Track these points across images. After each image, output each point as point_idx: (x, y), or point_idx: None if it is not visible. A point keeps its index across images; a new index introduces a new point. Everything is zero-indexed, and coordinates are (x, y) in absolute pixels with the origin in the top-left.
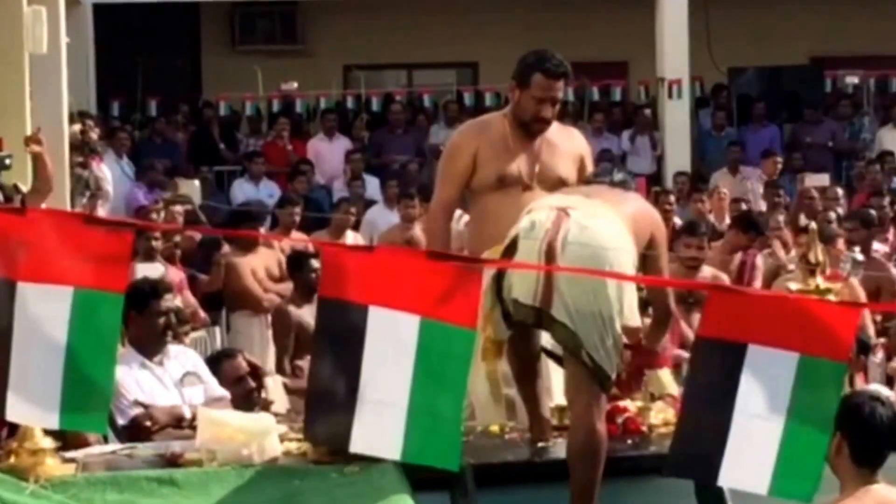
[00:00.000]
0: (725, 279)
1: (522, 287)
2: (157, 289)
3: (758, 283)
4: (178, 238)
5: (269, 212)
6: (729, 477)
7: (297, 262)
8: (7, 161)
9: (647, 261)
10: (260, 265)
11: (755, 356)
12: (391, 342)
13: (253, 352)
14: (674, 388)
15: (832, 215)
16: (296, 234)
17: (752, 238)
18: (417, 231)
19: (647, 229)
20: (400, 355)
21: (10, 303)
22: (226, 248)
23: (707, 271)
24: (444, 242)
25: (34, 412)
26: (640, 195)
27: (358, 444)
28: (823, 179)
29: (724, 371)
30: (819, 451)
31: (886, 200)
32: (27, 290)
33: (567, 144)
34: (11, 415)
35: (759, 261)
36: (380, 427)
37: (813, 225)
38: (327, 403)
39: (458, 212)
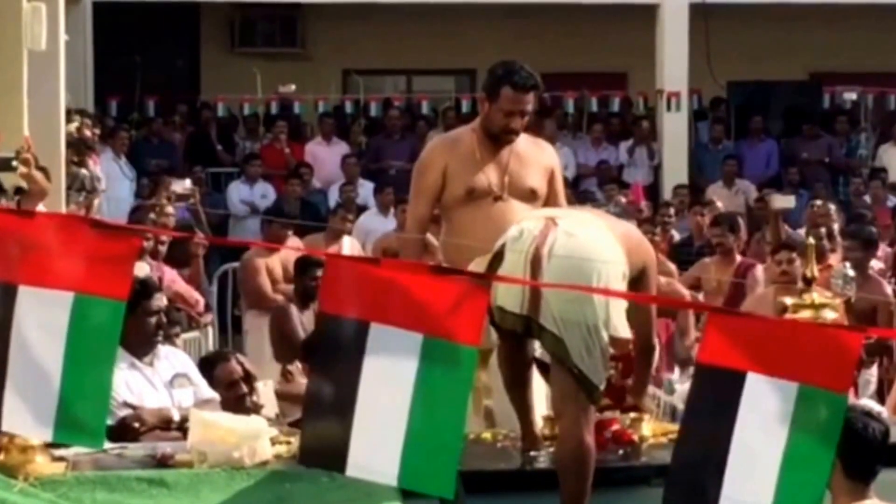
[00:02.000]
0: (684, 291)
1: (509, 295)
2: (148, 288)
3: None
4: (164, 238)
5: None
6: None
7: (301, 268)
8: (13, 163)
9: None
10: (277, 265)
11: (754, 385)
12: (391, 361)
13: (263, 351)
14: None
15: (823, 231)
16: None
17: (734, 238)
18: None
19: (640, 258)
20: (400, 375)
21: (11, 307)
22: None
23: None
24: (418, 258)
25: (29, 423)
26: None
27: (354, 469)
28: (789, 201)
29: (722, 400)
30: (820, 483)
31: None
32: (28, 294)
33: (536, 156)
34: (6, 425)
35: (759, 273)
36: (376, 452)
37: (811, 240)
38: (323, 424)
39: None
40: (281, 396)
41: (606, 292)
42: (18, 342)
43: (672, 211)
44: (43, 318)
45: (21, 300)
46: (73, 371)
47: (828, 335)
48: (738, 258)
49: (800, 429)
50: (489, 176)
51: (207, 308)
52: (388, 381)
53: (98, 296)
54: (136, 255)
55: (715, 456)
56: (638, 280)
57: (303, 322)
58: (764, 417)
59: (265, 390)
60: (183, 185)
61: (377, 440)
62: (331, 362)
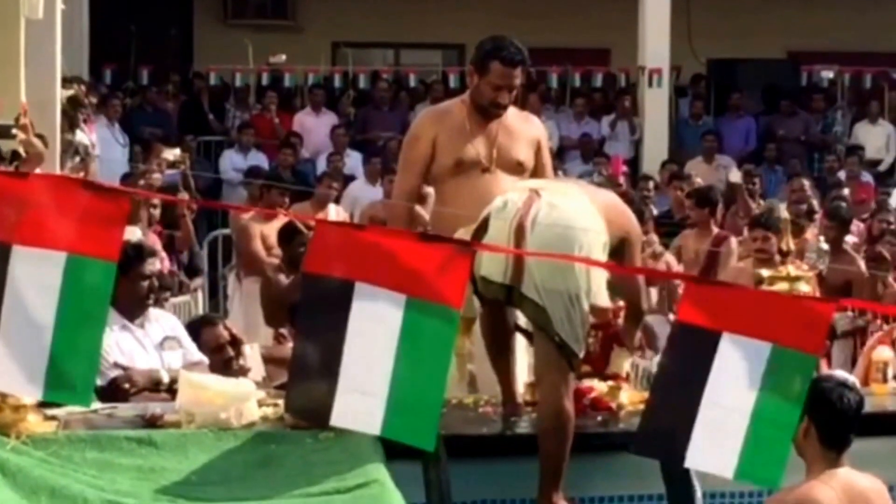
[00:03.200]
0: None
1: (493, 265)
2: (142, 252)
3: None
4: (156, 202)
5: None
6: (695, 459)
7: (286, 235)
8: (13, 131)
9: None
10: (272, 233)
11: (728, 344)
12: (376, 319)
13: (258, 315)
14: (624, 371)
15: (804, 208)
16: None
17: (710, 212)
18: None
19: (621, 226)
20: (384, 332)
21: (4, 267)
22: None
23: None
24: (405, 228)
25: (19, 382)
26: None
27: (338, 419)
28: (736, 176)
29: (697, 356)
30: (785, 439)
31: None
32: (21, 253)
33: (524, 129)
34: None
35: (733, 244)
36: (361, 403)
37: (786, 215)
38: (309, 377)
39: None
40: (269, 360)
41: (589, 261)
42: (11, 301)
43: (651, 185)
44: (36, 277)
45: (15, 260)
46: (65, 330)
47: (803, 303)
48: (715, 230)
49: (770, 386)
50: (478, 148)
51: (198, 272)
52: (372, 338)
53: (90, 256)
54: (125, 216)
55: (686, 408)
56: (621, 248)
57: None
58: (736, 375)
59: (252, 354)
60: (173, 153)
61: (361, 392)
62: (316, 320)
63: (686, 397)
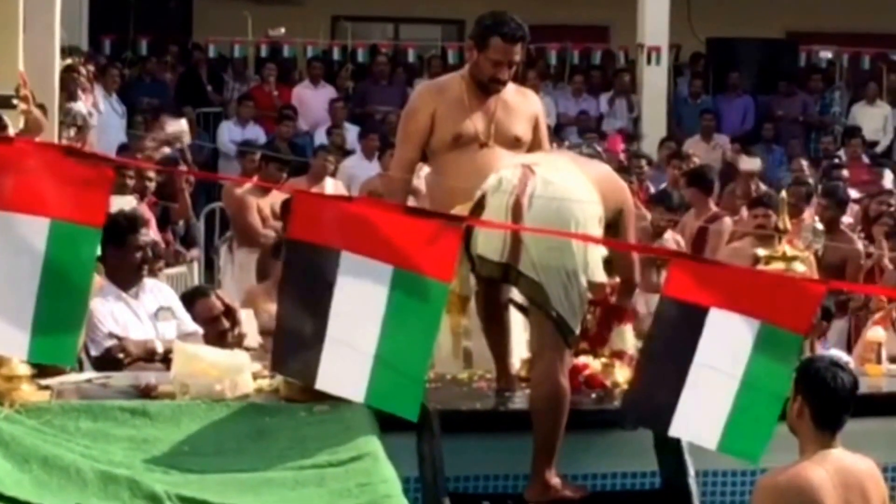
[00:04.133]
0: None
1: (489, 243)
2: (135, 223)
3: (722, 246)
4: (151, 174)
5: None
6: (680, 429)
7: (287, 209)
8: (13, 101)
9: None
10: (267, 204)
11: (716, 319)
12: (362, 288)
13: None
14: (632, 346)
15: (803, 190)
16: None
17: (706, 192)
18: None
19: (616, 199)
20: (370, 301)
21: None
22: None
23: (668, 235)
24: (402, 201)
25: (5, 341)
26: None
27: (324, 382)
28: (755, 164)
29: (684, 330)
30: (771, 415)
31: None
32: (5, 218)
33: (522, 105)
34: None
35: (727, 223)
36: (346, 369)
37: (783, 194)
38: (295, 342)
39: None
40: (266, 333)
41: (586, 238)
42: None
43: (643, 162)
44: (20, 242)
45: None
46: (49, 294)
47: (793, 282)
48: (713, 208)
49: (757, 363)
50: (476, 123)
51: (194, 243)
52: (358, 308)
53: (74, 222)
54: (109, 183)
55: (673, 380)
56: (616, 221)
57: None
58: (723, 350)
59: (247, 319)
60: (179, 125)
61: (347, 360)
62: (301, 286)
63: (673, 369)
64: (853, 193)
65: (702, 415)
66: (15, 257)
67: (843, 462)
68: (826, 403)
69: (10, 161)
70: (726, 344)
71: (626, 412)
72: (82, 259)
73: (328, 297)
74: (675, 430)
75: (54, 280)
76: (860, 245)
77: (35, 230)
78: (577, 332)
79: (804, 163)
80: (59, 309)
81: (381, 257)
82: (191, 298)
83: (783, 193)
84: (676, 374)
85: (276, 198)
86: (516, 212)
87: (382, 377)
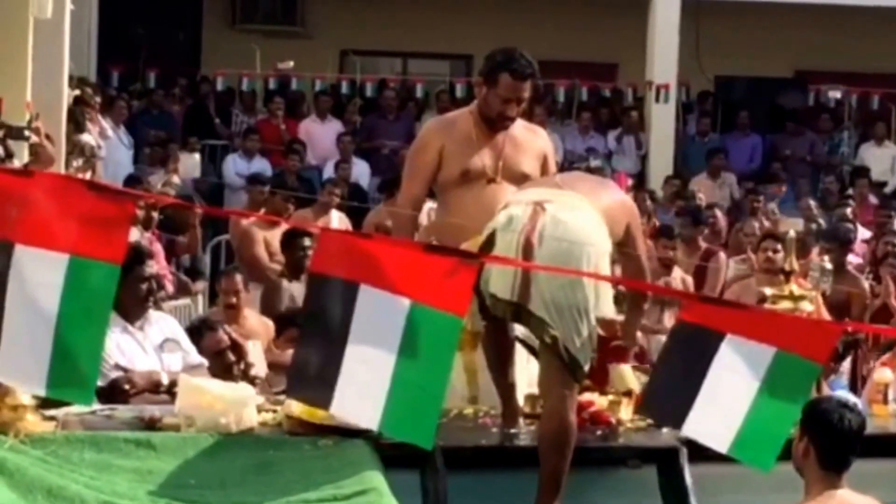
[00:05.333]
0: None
1: (500, 282)
2: (141, 254)
3: (719, 286)
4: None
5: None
6: (694, 429)
7: (288, 241)
8: (26, 132)
9: (624, 258)
10: (274, 238)
11: (732, 344)
12: (379, 321)
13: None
14: (635, 384)
15: (814, 227)
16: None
17: (700, 229)
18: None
19: (623, 219)
20: (386, 335)
21: (7, 265)
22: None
23: (677, 273)
24: (409, 236)
25: (22, 377)
26: (617, 186)
27: (338, 408)
28: (797, 224)
29: (700, 348)
30: (785, 426)
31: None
32: (24, 253)
33: (531, 141)
34: (0, 374)
35: (722, 258)
36: (361, 396)
37: (792, 233)
38: (311, 369)
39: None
40: (271, 365)
41: (597, 276)
42: (14, 299)
43: (647, 198)
44: (38, 277)
45: (17, 259)
46: (67, 330)
47: (810, 321)
48: (703, 245)
49: (769, 388)
50: (484, 159)
51: (200, 276)
52: (375, 340)
53: (93, 259)
54: (130, 219)
55: (689, 383)
56: (625, 238)
57: (293, 294)
58: (736, 371)
59: (254, 350)
60: (193, 159)
61: (362, 389)
62: (320, 318)
63: (689, 375)
64: (864, 233)
65: (715, 419)
66: (33, 293)
67: (849, 502)
68: (832, 444)
69: (30, 193)
70: (740, 366)
71: (644, 406)
72: (101, 296)
73: (346, 327)
74: (688, 430)
75: (72, 317)
76: (866, 285)
77: (53, 266)
78: (587, 368)
79: (812, 202)
80: (76, 346)
81: (399, 291)
82: (199, 331)
83: (791, 233)
84: (691, 384)
85: (283, 230)
86: (526, 250)
87: (397, 405)
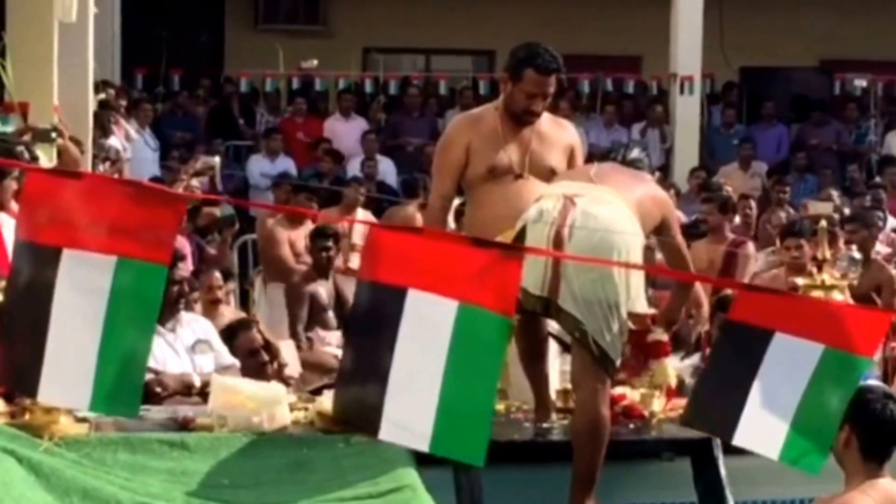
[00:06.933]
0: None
1: (530, 276)
2: (173, 256)
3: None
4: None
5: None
6: (743, 438)
7: (315, 239)
8: (52, 135)
9: (663, 245)
10: (299, 238)
11: (781, 343)
12: (427, 326)
13: (283, 321)
14: (673, 379)
15: (837, 217)
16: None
17: (729, 218)
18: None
19: (657, 212)
20: (434, 340)
21: (54, 272)
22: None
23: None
24: None
25: (66, 393)
26: (652, 179)
27: (387, 433)
28: (827, 207)
29: (748, 350)
30: (832, 427)
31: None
32: (71, 257)
33: (558, 135)
34: (44, 394)
35: (751, 248)
36: (409, 416)
37: (823, 223)
38: (358, 387)
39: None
40: (303, 364)
41: (629, 265)
42: (60, 307)
43: (672, 192)
44: (85, 282)
45: (65, 264)
46: (113, 337)
47: (858, 311)
48: (730, 236)
49: (819, 381)
50: (510, 154)
51: (229, 277)
52: (422, 347)
53: (141, 259)
54: (180, 219)
55: (736, 392)
56: (660, 229)
57: (317, 292)
58: (785, 372)
59: (287, 350)
60: (213, 160)
61: (410, 405)
62: (368, 327)
63: (735, 386)
64: (893, 222)
65: (764, 427)
66: (80, 299)
67: (890, 491)
68: (875, 434)
69: (78, 196)
70: (789, 367)
71: (691, 417)
72: (148, 298)
73: (392, 339)
74: (738, 440)
75: (119, 323)
76: (894, 272)
77: (100, 268)
78: (619, 363)
79: (834, 192)
80: (123, 355)
81: (447, 292)
82: (233, 331)
83: (822, 223)
84: (739, 390)
85: (307, 230)
86: (557, 244)
87: (447, 422)
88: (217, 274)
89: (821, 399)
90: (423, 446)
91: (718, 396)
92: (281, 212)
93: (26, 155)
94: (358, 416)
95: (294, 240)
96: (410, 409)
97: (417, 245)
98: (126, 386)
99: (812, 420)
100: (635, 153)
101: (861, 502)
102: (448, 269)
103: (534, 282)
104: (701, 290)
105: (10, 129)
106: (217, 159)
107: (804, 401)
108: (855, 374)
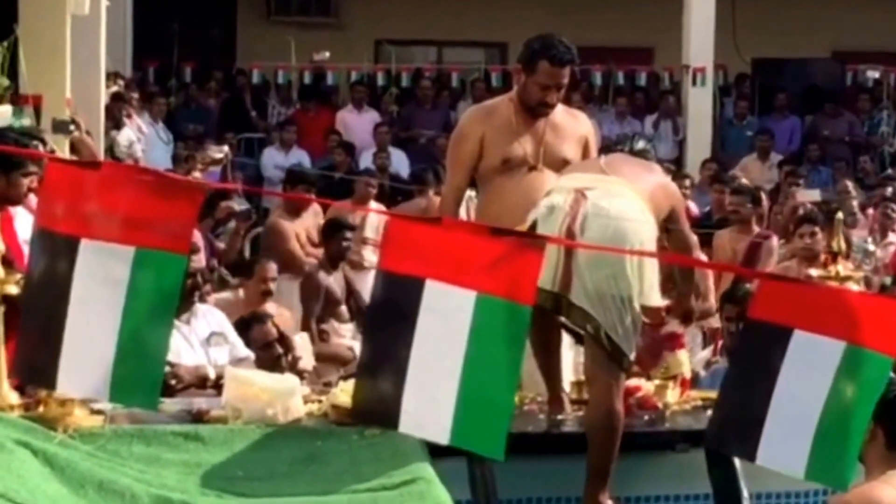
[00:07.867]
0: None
1: (542, 272)
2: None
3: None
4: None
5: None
6: (767, 456)
7: (330, 230)
8: (70, 127)
9: (671, 234)
10: (303, 230)
11: (801, 341)
12: (445, 318)
13: (294, 315)
14: (688, 369)
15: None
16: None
17: (753, 209)
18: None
19: (667, 203)
20: (453, 332)
21: (72, 262)
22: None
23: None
24: None
25: (84, 384)
26: (661, 169)
27: (406, 426)
28: (815, 195)
29: (768, 353)
30: (856, 440)
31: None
32: (89, 247)
33: (572, 126)
34: (62, 385)
35: (774, 242)
36: (428, 409)
37: (839, 215)
38: (377, 380)
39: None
40: (317, 356)
41: (641, 253)
42: (78, 297)
43: (687, 183)
44: (104, 272)
45: (83, 254)
46: (132, 328)
47: (880, 302)
48: (756, 229)
49: (842, 386)
50: (525, 146)
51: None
52: (441, 339)
53: (160, 249)
54: (198, 208)
55: (757, 406)
56: (669, 219)
57: (330, 284)
58: (807, 373)
59: (302, 343)
60: (221, 150)
61: (429, 398)
62: (386, 319)
63: (756, 395)
64: None
65: (788, 442)
66: (98, 290)
67: None
68: None
69: (96, 187)
70: (810, 367)
71: (712, 440)
72: (167, 288)
73: (411, 331)
74: (762, 459)
75: (138, 314)
76: None
77: (119, 259)
78: (632, 356)
79: (849, 183)
80: (141, 346)
81: (465, 283)
82: (248, 323)
83: (839, 214)
84: (760, 400)
85: (308, 221)
86: (568, 239)
87: (467, 415)
88: (273, 265)
89: (845, 405)
90: (443, 439)
91: (739, 412)
92: (293, 199)
93: (41, 148)
94: (377, 408)
95: (298, 232)
96: (430, 401)
97: (435, 236)
98: (145, 377)
99: (836, 431)
100: (642, 144)
101: (884, 491)
102: (466, 260)
103: (545, 278)
104: (711, 283)
105: (26, 121)
106: (226, 148)
107: (827, 408)
108: (879, 375)
